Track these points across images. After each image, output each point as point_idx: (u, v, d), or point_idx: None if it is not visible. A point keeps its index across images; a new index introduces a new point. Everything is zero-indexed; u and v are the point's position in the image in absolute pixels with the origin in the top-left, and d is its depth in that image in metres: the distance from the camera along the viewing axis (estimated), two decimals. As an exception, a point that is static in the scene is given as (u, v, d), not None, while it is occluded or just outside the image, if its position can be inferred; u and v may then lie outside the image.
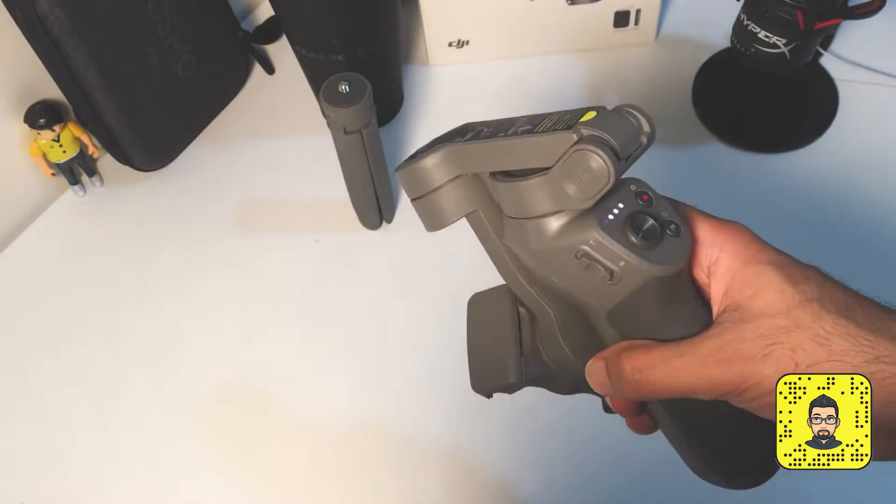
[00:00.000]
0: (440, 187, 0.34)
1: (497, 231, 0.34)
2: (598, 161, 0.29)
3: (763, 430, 0.31)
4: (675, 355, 0.30)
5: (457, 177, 0.34)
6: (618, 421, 0.36)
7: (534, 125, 0.32)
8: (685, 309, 0.32)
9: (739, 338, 0.29)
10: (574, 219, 0.31)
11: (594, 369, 0.33)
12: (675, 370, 0.30)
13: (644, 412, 0.35)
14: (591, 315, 0.32)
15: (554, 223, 0.31)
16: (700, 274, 0.32)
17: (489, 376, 0.38)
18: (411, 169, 0.34)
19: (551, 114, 0.33)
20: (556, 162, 0.30)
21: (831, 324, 0.28)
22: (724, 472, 0.35)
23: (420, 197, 0.35)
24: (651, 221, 0.30)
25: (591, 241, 0.30)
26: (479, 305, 0.39)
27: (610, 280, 0.30)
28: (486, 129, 0.34)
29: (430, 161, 0.34)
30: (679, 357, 0.30)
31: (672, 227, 0.31)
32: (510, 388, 0.37)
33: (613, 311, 0.31)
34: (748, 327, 0.29)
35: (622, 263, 0.30)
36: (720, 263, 0.31)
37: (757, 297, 0.30)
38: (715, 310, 0.31)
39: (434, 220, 0.35)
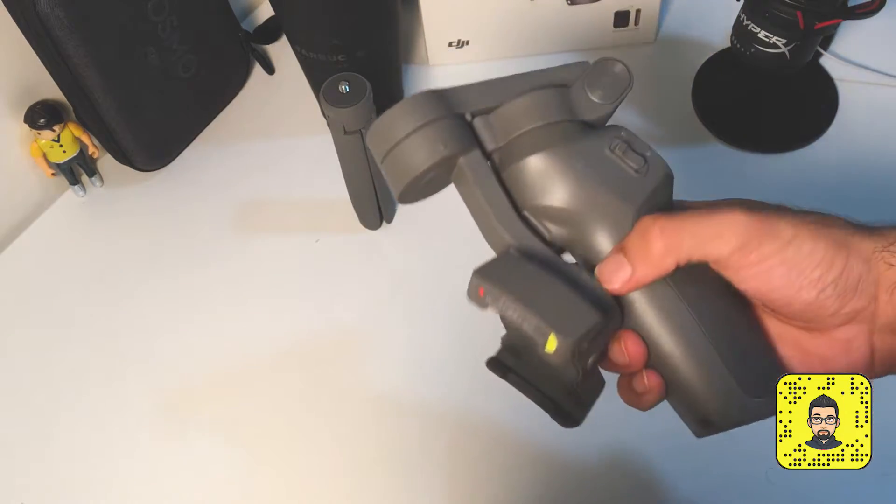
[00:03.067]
0: (412, 132, 0.34)
1: (482, 175, 0.34)
2: (621, 66, 0.35)
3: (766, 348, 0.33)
4: (700, 207, 0.33)
5: (431, 121, 0.34)
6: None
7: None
8: None
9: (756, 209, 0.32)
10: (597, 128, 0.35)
11: (609, 261, 0.33)
12: (704, 216, 0.31)
13: (650, 369, 0.34)
14: (606, 229, 0.34)
15: (580, 127, 0.35)
16: None
17: (573, 319, 0.32)
18: (380, 121, 0.35)
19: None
20: (578, 79, 0.35)
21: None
22: (748, 384, 0.33)
23: (389, 151, 0.34)
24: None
25: (622, 133, 0.35)
26: (495, 273, 0.34)
27: (640, 168, 0.34)
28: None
29: (402, 107, 0.34)
30: (706, 207, 0.33)
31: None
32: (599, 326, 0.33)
33: (640, 209, 0.33)
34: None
35: (649, 154, 0.34)
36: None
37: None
38: None
39: (403, 174, 0.34)
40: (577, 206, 0.34)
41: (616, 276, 0.32)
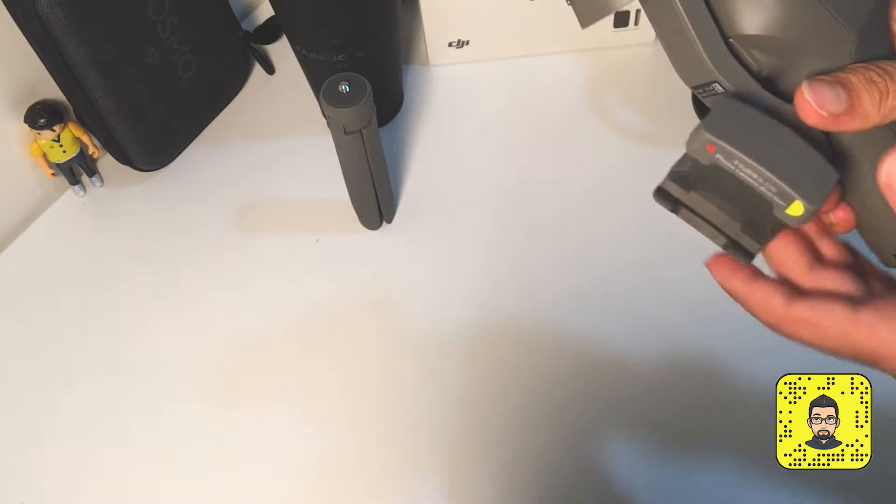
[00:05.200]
0: None
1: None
2: None
3: None
4: None
5: None
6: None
7: None
8: None
9: None
10: None
11: (825, 86, 0.29)
12: None
13: (843, 204, 0.33)
14: (824, 58, 0.30)
15: None
16: None
17: (817, 181, 0.30)
18: None
19: None
20: None
21: None
22: None
23: None
24: None
25: None
26: (725, 128, 0.31)
27: None
28: None
29: None
30: None
31: None
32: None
33: (861, 32, 0.30)
34: None
35: None
36: None
37: None
38: None
39: (601, 8, 0.31)
40: (794, 34, 0.30)
41: (827, 106, 0.29)
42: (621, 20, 0.75)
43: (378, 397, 0.59)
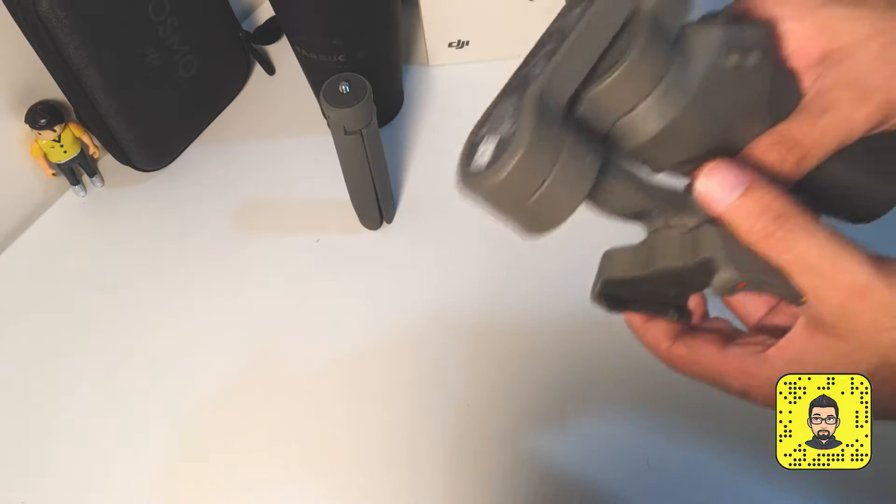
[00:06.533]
0: (546, 182, 0.26)
1: (629, 174, 0.30)
2: None
3: None
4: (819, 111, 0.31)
5: (560, 158, 0.26)
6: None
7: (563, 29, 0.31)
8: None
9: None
10: (693, 41, 0.29)
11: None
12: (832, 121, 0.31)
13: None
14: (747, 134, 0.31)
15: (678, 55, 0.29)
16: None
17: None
18: (501, 179, 0.26)
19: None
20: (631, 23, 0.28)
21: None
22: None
23: (522, 205, 0.27)
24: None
25: (720, 40, 0.29)
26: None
27: (757, 65, 0.29)
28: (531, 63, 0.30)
29: (525, 155, 0.25)
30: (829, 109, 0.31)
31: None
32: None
33: (773, 111, 0.31)
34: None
35: (747, 37, 0.30)
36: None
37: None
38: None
39: (549, 224, 0.28)
40: (715, 144, 0.31)
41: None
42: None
43: (377, 396, 0.59)
